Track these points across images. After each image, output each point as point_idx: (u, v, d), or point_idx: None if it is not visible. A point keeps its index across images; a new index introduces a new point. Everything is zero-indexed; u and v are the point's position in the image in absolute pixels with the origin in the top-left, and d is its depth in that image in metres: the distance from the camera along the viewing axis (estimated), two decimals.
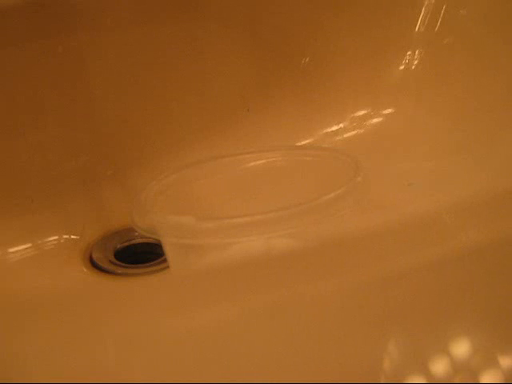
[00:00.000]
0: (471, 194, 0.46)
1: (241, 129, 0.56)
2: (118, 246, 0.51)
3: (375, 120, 0.57)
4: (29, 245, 0.50)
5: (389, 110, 0.58)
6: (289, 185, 0.45)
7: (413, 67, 0.58)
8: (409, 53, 0.58)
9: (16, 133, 0.51)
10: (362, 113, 0.58)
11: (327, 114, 0.57)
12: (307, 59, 0.57)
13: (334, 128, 0.57)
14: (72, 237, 0.51)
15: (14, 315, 0.32)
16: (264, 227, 0.36)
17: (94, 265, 0.50)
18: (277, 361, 0.27)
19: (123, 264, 0.50)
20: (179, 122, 0.55)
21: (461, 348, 0.27)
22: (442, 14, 0.56)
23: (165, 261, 0.48)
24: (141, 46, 0.53)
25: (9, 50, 0.49)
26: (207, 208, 0.44)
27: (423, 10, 0.57)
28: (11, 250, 0.50)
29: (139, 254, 0.52)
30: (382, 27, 0.57)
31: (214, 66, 0.56)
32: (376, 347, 0.28)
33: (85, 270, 0.49)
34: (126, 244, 0.52)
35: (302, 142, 0.57)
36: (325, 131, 0.57)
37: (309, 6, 0.56)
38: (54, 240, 0.51)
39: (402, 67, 0.58)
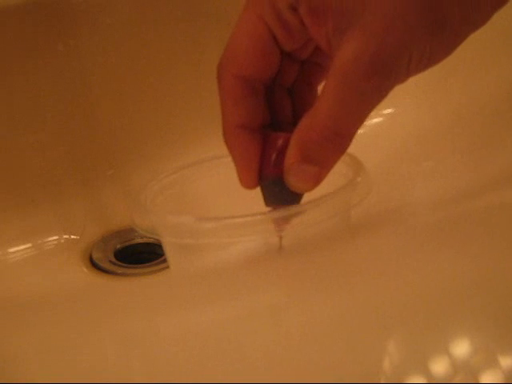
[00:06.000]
0: (471, 194, 0.46)
1: None
2: (118, 246, 0.51)
3: (375, 120, 0.57)
4: (29, 245, 0.50)
5: (389, 110, 0.58)
6: None
7: None
8: None
9: (16, 133, 0.51)
10: None
11: None
12: None
13: None
14: (72, 237, 0.51)
15: (14, 315, 0.32)
16: (264, 227, 0.36)
17: (94, 265, 0.50)
18: (276, 360, 0.27)
19: (123, 264, 0.50)
20: (179, 121, 0.55)
21: (461, 348, 0.27)
22: None
23: (165, 261, 0.48)
24: (141, 45, 0.53)
25: (9, 50, 0.49)
26: (207, 208, 0.44)
27: None
28: (11, 249, 0.50)
29: (139, 254, 0.52)
30: None
31: (214, 65, 0.56)
32: (376, 347, 0.28)
33: (85, 270, 0.49)
34: (126, 244, 0.52)
35: None
36: None
37: None
38: (54, 240, 0.51)
39: None
